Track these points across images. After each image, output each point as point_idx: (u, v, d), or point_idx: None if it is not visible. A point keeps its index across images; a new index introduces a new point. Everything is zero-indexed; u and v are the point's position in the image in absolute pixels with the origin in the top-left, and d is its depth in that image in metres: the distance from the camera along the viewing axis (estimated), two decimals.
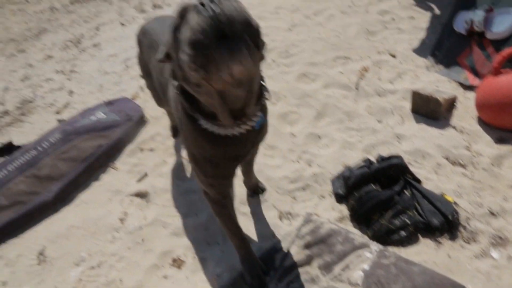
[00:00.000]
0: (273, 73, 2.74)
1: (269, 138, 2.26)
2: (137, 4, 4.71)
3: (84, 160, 2.28)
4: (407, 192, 1.77)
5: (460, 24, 2.55)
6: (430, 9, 3.26)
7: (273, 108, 2.45)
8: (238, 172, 1.69)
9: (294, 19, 3.34)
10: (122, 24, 4.28)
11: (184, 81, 0.92)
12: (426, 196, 1.75)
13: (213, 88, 0.87)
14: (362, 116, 2.31)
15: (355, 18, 3.23)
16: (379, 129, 2.22)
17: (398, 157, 1.85)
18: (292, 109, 2.43)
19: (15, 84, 3.64)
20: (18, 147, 2.58)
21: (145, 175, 2.24)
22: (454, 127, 2.16)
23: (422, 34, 2.94)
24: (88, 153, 2.31)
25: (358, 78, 2.56)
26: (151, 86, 1.83)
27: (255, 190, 2.00)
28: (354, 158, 2.09)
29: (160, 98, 1.67)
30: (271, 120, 2.38)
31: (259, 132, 1.21)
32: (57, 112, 3.00)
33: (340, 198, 1.92)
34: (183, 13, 0.84)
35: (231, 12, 0.77)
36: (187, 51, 0.80)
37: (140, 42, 1.78)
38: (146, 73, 1.83)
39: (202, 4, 0.78)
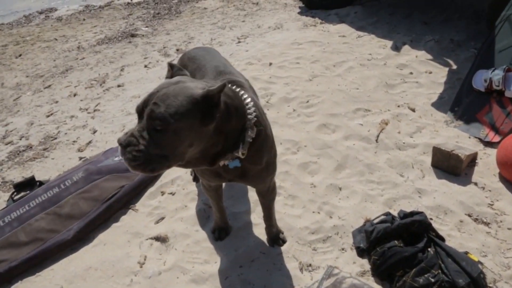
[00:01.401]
0: (294, 122, 2.80)
1: (290, 187, 2.28)
2: (161, 48, 4.91)
3: (105, 201, 2.31)
4: (431, 250, 1.75)
5: (479, 82, 2.61)
6: (447, 64, 3.35)
7: (294, 158, 2.49)
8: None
9: (314, 70, 3.45)
10: (146, 67, 4.44)
11: None
12: (451, 254, 1.72)
13: None
14: (383, 169, 2.33)
15: (374, 71, 3.32)
16: (399, 183, 2.23)
17: (421, 213, 1.85)
18: (312, 159, 2.46)
19: (40, 119, 3.76)
20: (40, 182, 2.63)
21: (162, 218, 2.24)
22: (475, 184, 2.16)
23: (440, 89, 3.01)
24: (110, 193, 2.34)
25: (378, 130, 2.60)
26: None
27: (275, 240, 2.00)
28: (375, 212, 2.08)
29: None
30: (292, 169, 2.40)
31: (245, 170, 1.43)
32: (79, 150, 3.06)
33: (361, 252, 1.90)
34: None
35: (128, 156, 1.13)
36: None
37: (184, 66, 1.92)
38: None
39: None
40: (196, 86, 1.17)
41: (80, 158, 2.93)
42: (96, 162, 2.55)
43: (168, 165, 1.17)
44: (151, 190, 2.45)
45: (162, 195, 2.40)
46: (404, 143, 2.49)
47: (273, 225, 1.97)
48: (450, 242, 1.86)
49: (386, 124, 2.65)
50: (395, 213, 2.03)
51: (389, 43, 3.83)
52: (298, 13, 5.38)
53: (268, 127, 1.51)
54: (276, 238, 1.99)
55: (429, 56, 3.49)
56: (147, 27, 6.17)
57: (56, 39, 6.44)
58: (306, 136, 2.66)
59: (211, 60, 1.84)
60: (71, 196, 2.34)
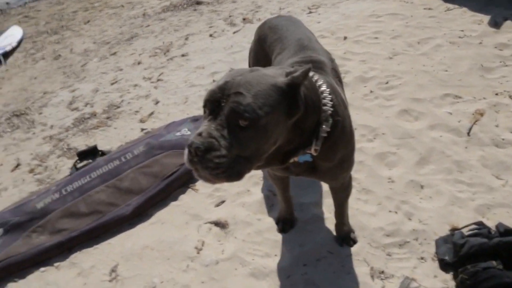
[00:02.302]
0: (371, 105, 2.51)
1: (364, 180, 2.04)
2: (227, 16, 4.71)
3: (166, 177, 2.22)
4: None
5: None
6: None
7: (369, 146, 2.22)
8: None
9: (395, 47, 3.08)
10: (211, 36, 4.28)
11: None
12: None
13: None
14: (475, 168, 2.00)
15: (467, 50, 2.89)
16: (496, 187, 1.89)
17: None
18: (391, 149, 2.18)
19: (105, 86, 3.77)
20: (102, 152, 2.61)
21: (223, 201, 2.11)
22: None
23: None
24: (170, 170, 2.24)
25: (471, 122, 2.24)
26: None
27: (344, 239, 1.79)
28: (464, 219, 1.78)
29: None
30: (367, 159, 2.14)
31: (316, 165, 1.24)
32: (141, 121, 3.01)
33: (446, 266, 1.63)
34: (204, 105, 1.04)
35: (204, 166, 0.93)
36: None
37: (262, 35, 1.82)
38: (256, 64, 1.86)
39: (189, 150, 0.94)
40: (276, 73, 1.01)
41: (142, 129, 2.88)
42: (158, 136, 2.46)
43: (250, 167, 0.99)
44: None
45: None
46: (503, 139, 2.11)
47: (344, 223, 1.77)
48: None
49: (481, 115, 2.27)
50: (490, 224, 1.72)
51: (486, 18, 3.31)
52: None
53: (347, 119, 1.29)
54: (346, 237, 1.78)
55: None
56: None
57: (122, 6, 6.48)
58: (384, 122, 2.36)
59: (294, 31, 1.65)
60: (131, 170, 2.28)
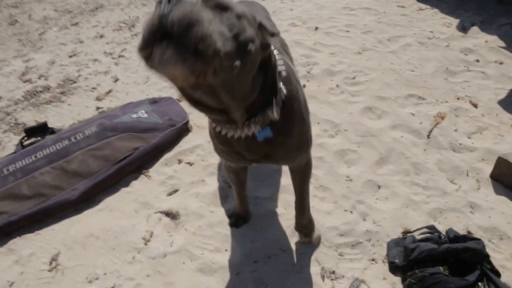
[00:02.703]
0: (336, 100, 2.47)
1: (322, 176, 2.00)
2: None
3: (117, 162, 2.09)
4: (481, 286, 1.47)
5: None
6: None
7: (331, 142, 2.18)
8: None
9: (366, 42, 3.04)
10: None
11: None
12: None
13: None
14: (432, 171, 2.01)
15: (434, 52, 2.90)
16: (449, 191, 1.91)
17: (478, 240, 1.54)
18: (351, 147, 2.15)
19: (62, 58, 3.53)
20: (52, 130, 2.44)
21: (176, 190, 2.02)
22: None
23: (510, 84, 2.58)
24: (122, 154, 2.12)
25: (432, 125, 2.24)
26: None
27: (301, 237, 1.73)
28: (417, 222, 1.79)
29: None
30: (327, 155, 2.11)
31: (274, 146, 1.14)
32: (98, 98, 2.84)
33: (395, 269, 1.63)
34: None
35: (181, 15, 0.69)
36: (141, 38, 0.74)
37: None
38: None
39: (160, 1, 0.71)
40: None
41: (98, 108, 2.72)
42: (112, 117, 2.32)
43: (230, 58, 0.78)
44: (167, 156, 2.22)
45: (179, 163, 2.17)
46: (460, 144, 2.13)
47: (304, 215, 1.62)
48: (504, 275, 1.56)
49: (442, 118, 2.29)
50: (441, 228, 1.74)
51: (455, 22, 3.34)
52: None
53: (301, 92, 1.24)
54: (305, 234, 1.70)
55: (502, 43, 3.01)
56: None
57: None
58: (347, 118, 2.33)
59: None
60: (81, 151, 2.13)
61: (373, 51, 2.94)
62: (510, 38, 3.06)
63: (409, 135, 2.21)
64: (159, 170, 2.15)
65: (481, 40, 3.05)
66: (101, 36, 3.88)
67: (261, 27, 0.93)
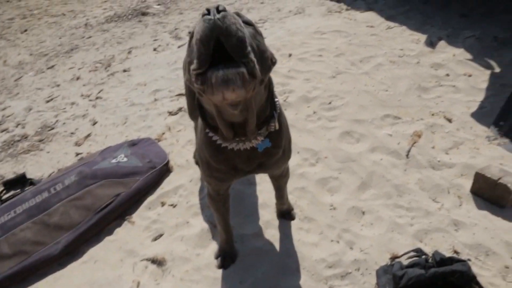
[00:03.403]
0: (314, 127, 2.49)
1: (306, 207, 2.00)
2: (173, 29, 4.58)
3: (99, 210, 2.06)
4: None
5: None
6: (489, 66, 2.98)
7: (312, 171, 2.19)
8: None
9: (339, 65, 3.10)
10: (155, 50, 4.14)
11: (193, 86, 0.94)
12: None
13: (211, 101, 0.94)
14: (414, 192, 2.03)
15: (405, 70, 2.97)
16: (432, 210, 1.93)
17: (464, 262, 1.55)
18: (333, 174, 2.16)
19: (39, 104, 3.52)
20: (31, 181, 2.40)
21: (161, 235, 2.00)
22: None
23: (481, 96, 2.66)
24: (104, 202, 2.09)
25: (410, 144, 2.28)
26: (188, 93, 1.86)
27: (285, 215, 1.97)
28: (403, 246, 1.80)
29: (193, 108, 1.73)
30: (309, 185, 2.11)
31: (268, 156, 1.26)
32: (77, 143, 2.82)
33: None
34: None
35: (230, 25, 0.82)
36: (191, 57, 0.88)
37: (192, 50, 1.77)
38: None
39: (208, 11, 0.83)
40: None
41: (77, 154, 2.69)
42: (91, 164, 2.30)
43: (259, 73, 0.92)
44: (150, 199, 2.20)
45: (162, 206, 2.15)
46: (439, 161, 2.17)
47: (284, 202, 1.90)
48: None
49: (419, 136, 2.33)
50: (428, 250, 1.75)
51: (423, 37, 3.44)
52: None
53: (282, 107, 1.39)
54: (287, 213, 1.96)
55: (469, 56, 3.11)
56: (159, 4, 5.82)
57: (64, 14, 6.15)
58: (327, 145, 2.35)
59: None
60: (62, 203, 2.10)
61: (347, 73, 3.00)
62: (475, 50, 3.16)
63: (388, 156, 2.24)
64: (143, 214, 2.12)
65: (449, 54, 3.14)
66: (78, 78, 3.89)
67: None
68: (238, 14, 0.94)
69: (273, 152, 1.27)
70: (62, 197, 2.12)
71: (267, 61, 0.98)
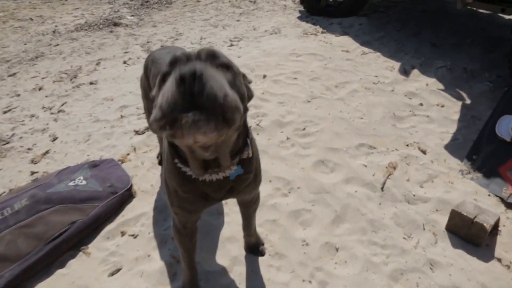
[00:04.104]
0: (287, 154, 2.40)
1: (277, 242, 1.89)
2: (145, 42, 4.43)
3: (51, 240, 1.87)
4: None
5: (504, 129, 2.26)
6: (460, 97, 3.01)
7: (284, 202, 2.09)
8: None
9: (314, 89, 3.05)
10: (125, 63, 3.97)
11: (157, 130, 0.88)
12: None
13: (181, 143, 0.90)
14: (389, 228, 1.96)
15: (380, 97, 2.95)
16: (408, 248, 1.86)
17: None
18: (306, 206, 2.07)
19: None
20: None
21: (119, 269, 1.82)
22: (499, 260, 1.80)
23: (453, 128, 2.66)
24: (57, 230, 1.90)
25: (385, 176, 2.22)
26: (148, 108, 1.89)
27: (253, 250, 1.84)
28: (379, 287, 1.71)
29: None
30: (281, 217, 2.01)
31: (239, 181, 1.22)
32: (33, 161, 2.60)
33: None
34: (172, 64, 0.88)
35: (208, 94, 0.76)
36: (157, 110, 0.79)
37: (146, 68, 1.79)
38: (146, 97, 1.88)
39: (183, 79, 0.76)
40: None
41: (32, 173, 2.48)
42: (46, 186, 2.11)
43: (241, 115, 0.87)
44: (109, 227, 2.02)
45: (122, 235, 1.98)
46: (414, 195, 2.12)
47: (252, 234, 1.79)
48: None
49: (394, 168, 2.28)
50: None
51: (397, 65, 3.46)
52: (298, 17, 4.97)
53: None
54: (254, 248, 1.84)
55: (441, 86, 3.14)
56: (132, 15, 5.67)
57: (31, 19, 5.88)
58: (300, 174, 2.26)
59: None
60: (9, 230, 1.89)
61: (322, 98, 2.95)
62: (447, 80, 3.19)
63: (363, 188, 2.17)
64: (100, 245, 1.94)
65: (422, 83, 3.16)
66: (40, 89, 3.66)
67: (244, 78, 1.03)
68: (214, 55, 0.90)
69: (244, 178, 1.23)
70: (9, 224, 1.91)
71: (245, 103, 0.93)
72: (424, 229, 1.95)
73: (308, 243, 1.88)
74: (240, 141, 1.12)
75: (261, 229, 1.93)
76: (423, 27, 4.34)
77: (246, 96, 0.96)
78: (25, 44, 4.93)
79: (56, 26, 5.50)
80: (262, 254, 1.83)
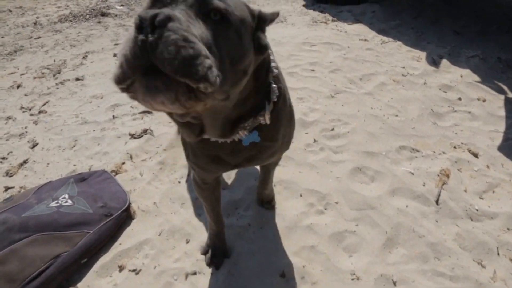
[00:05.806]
0: (316, 160, 2.00)
1: (320, 276, 1.49)
2: None
3: (28, 281, 1.45)
4: None
5: None
6: (501, 90, 2.64)
7: (321, 222, 1.69)
8: None
9: (336, 83, 2.65)
10: (115, 56, 3.52)
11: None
12: None
13: None
14: (453, 253, 1.57)
15: (413, 91, 2.57)
16: (485, 282, 1.48)
17: None
18: (349, 226, 1.67)
19: None
20: None
21: None
22: None
23: (501, 125, 2.29)
24: (36, 268, 1.48)
25: (438, 186, 1.84)
26: None
27: (264, 203, 1.74)
28: None
29: None
30: (320, 242, 1.61)
31: (260, 150, 1.05)
32: (8, 173, 2.16)
33: None
34: (153, 3, 0.71)
35: (162, 51, 0.56)
36: (117, 66, 0.62)
37: None
38: None
39: (141, 24, 0.57)
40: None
41: (6, 189, 2.04)
42: (21, 208, 1.68)
43: (226, 88, 0.68)
44: (103, 260, 1.60)
45: (120, 271, 1.56)
46: (477, 209, 1.74)
47: (267, 187, 1.67)
48: None
49: (448, 176, 1.90)
50: None
51: (423, 55, 3.09)
52: (304, 5, 4.57)
53: (287, 90, 1.11)
54: (266, 202, 1.74)
55: (477, 77, 2.77)
56: (122, 5, 5.20)
57: (10, 11, 5.38)
58: (335, 185, 1.86)
59: None
60: None
61: (347, 93, 2.55)
62: (482, 71, 2.83)
63: (414, 202, 1.78)
64: (92, 284, 1.52)
65: (456, 75, 2.79)
66: (19, 86, 3.21)
67: (260, 20, 0.82)
68: None
69: (267, 146, 1.06)
70: None
71: (240, 65, 0.72)
72: (498, 254, 1.57)
73: (358, 276, 1.49)
74: (256, 99, 0.92)
75: (298, 259, 1.53)
76: (441, 14, 3.98)
77: (247, 55, 0.74)
78: (2, 37, 4.45)
79: (37, 17, 5.01)
80: (273, 208, 1.74)
